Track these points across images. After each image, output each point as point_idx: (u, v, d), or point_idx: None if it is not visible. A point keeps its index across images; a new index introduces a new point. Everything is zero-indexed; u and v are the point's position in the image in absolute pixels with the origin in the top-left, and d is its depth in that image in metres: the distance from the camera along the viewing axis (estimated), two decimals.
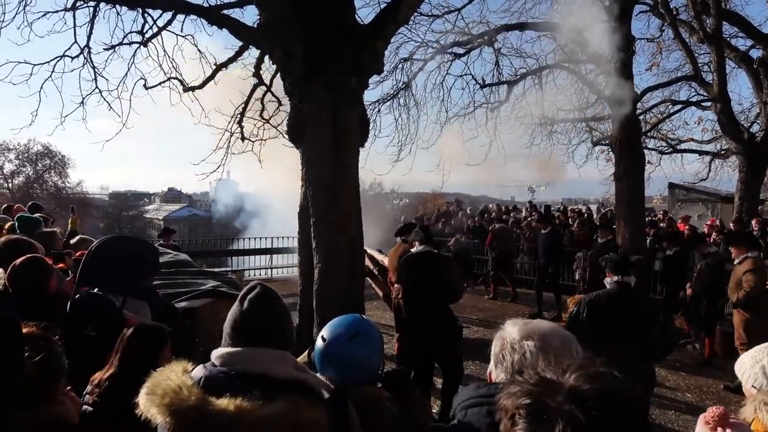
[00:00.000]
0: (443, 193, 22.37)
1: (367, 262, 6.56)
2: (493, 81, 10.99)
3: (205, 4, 5.85)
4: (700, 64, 11.36)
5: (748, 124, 12.58)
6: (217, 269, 9.22)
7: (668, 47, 13.09)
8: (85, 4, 5.93)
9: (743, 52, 11.83)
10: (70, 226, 6.37)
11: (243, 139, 7.65)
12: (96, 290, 2.95)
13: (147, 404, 1.35)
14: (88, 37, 6.18)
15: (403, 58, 10.68)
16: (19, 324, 1.39)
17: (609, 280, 3.79)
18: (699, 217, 13.96)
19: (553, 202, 24.42)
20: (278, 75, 6.00)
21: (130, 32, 6.36)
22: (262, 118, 7.63)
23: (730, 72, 12.12)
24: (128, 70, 6.73)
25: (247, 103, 7.37)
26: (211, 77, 6.82)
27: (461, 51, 10.77)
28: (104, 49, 6.45)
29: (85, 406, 2.07)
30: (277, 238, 14.25)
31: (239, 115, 7.49)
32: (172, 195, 55.61)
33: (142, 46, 6.48)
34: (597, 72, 10.78)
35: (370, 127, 5.54)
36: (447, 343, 4.58)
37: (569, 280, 10.61)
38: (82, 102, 6.56)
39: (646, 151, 11.88)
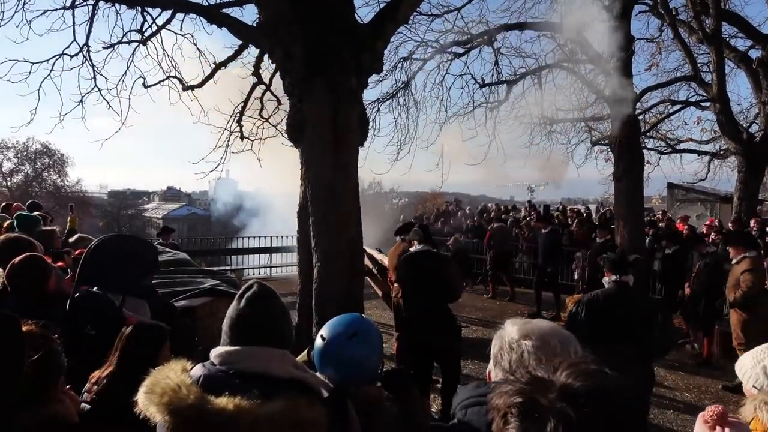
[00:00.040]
0: (442, 192, 22.33)
1: (367, 261, 6.56)
2: (493, 80, 10.96)
3: (205, 3, 5.82)
4: (699, 64, 11.38)
5: (747, 125, 12.59)
6: (216, 268, 9.23)
7: (667, 47, 13.13)
8: (85, 3, 5.90)
9: (742, 52, 11.84)
10: (69, 224, 6.38)
11: (242, 138, 7.63)
12: (95, 289, 2.95)
13: (146, 403, 1.35)
14: (87, 36, 6.15)
15: (402, 58, 10.65)
16: (19, 322, 1.38)
17: (607, 280, 3.79)
18: (698, 217, 13.96)
19: (552, 201, 24.38)
20: (277, 74, 5.99)
21: (130, 31, 6.35)
22: (262, 117, 7.61)
23: (729, 72, 12.12)
24: (127, 68, 6.71)
25: (246, 101, 7.35)
26: (211, 76, 6.80)
27: (461, 50, 10.75)
28: (103, 47, 6.43)
29: (83, 405, 2.07)
30: (276, 237, 14.24)
31: (238, 114, 7.47)
32: (171, 194, 55.44)
33: (141, 45, 6.45)
34: (596, 72, 10.78)
35: (370, 127, 5.53)
36: (446, 342, 4.57)
37: (568, 279, 10.64)
38: (81, 100, 6.54)
39: (645, 151, 11.90)
